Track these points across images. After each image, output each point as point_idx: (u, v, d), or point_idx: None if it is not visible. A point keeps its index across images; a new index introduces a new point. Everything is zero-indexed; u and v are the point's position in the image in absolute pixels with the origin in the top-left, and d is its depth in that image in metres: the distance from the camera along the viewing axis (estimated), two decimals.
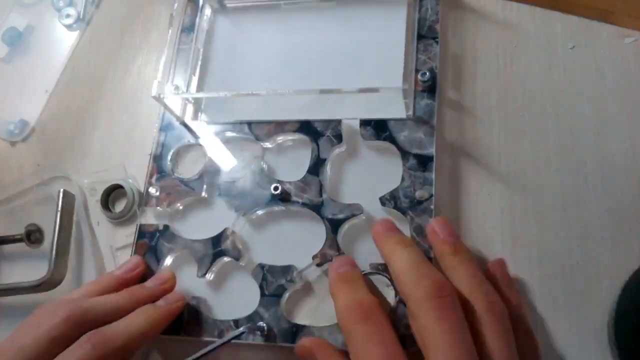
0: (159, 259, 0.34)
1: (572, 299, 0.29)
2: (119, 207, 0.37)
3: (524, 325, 0.27)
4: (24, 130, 0.41)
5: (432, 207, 0.31)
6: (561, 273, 0.30)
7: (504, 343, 0.24)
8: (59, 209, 0.36)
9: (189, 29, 0.39)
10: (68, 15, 0.44)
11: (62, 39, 0.44)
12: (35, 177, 0.39)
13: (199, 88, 0.39)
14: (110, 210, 0.37)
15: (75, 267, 0.37)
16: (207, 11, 0.40)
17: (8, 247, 0.38)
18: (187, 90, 0.38)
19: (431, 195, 0.31)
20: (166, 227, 0.34)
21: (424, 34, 0.35)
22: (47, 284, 0.35)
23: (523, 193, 0.32)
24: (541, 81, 0.33)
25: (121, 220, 0.36)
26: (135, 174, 0.37)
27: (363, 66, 0.37)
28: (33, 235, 0.37)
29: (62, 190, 0.37)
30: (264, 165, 0.35)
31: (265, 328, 0.30)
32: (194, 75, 0.39)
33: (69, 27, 0.44)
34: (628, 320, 0.27)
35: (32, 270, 0.36)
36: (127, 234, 0.36)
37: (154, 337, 0.30)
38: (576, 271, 0.29)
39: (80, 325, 0.27)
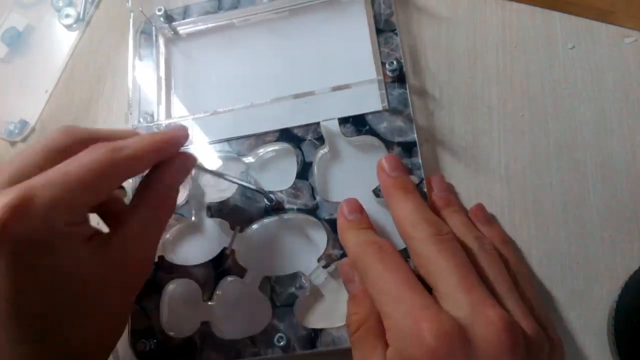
0: (160, 292, 0.33)
1: (572, 299, 0.29)
2: None
3: (512, 256, 0.29)
4: (23, 130, 0.41)
5: (425, 190, 0.31)
6: (561, 273, 0.30)
7: (498, 270, 0.26)
8: None
9: (147, 58, 0.39)
10: (68, 15, 0.44)
11: (62, 39, 0.44)
12: None
13: (167, 115, 0.38)
14: None
15: None
16: (162, 41, 0.40)
17: None
18: (156, 119, 0.37)
19: (422, 180, 0.31)
20: (161, 258, 0.34)
21: (382, 28, 0.35)
22: None
23: (523, 193, 0.32)
24: (541, 81, 0.33)
25: None
26: None
27: (329, 68, 0.37)
28: None
29: None
30: (251, 179, 0.34)
31: (284, 337, 0.30)
32: (161, 104, 0.38)
33: (68, 27, 0.44)
34: (628, 320, 0.27)
35: None
36: None
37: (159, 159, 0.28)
38: (576, 271, 0.30)
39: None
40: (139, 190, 0.28)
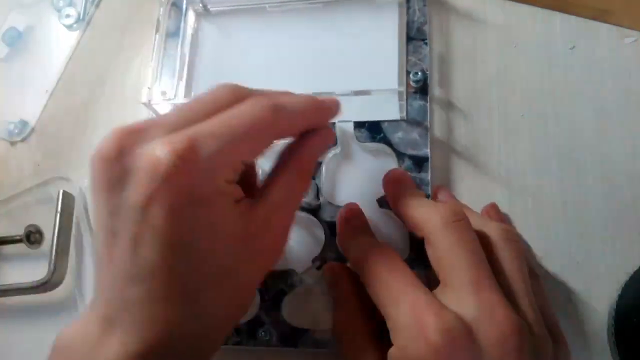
0: None
1: (572, 299, 0.29)
2: None
3: (527, 261, 0.27)
4: (23, 130, 0.41)
5: None
6: (561, 273, 0.30)
7: (519, 266, 0.25)
8: (59, 209, 0.36)
9: (174, 34, 0.39)
10: (68, 15, 0.43)
11: (62, 39, 0.44)
12: (35, 177, 0.39)
13: (186, 93, 0.38)
14: None
15: (75, 268, 0.37)
16: (191, 15, 0.40)
17: (7, 248, 0.38)
18: (174, 96, 0.37)
19: (428, 196, 0.31)
20: None
21: (412, 36, 0.35)
22: (47, 285, 0.35)
23: (523, 193, 0.32)
24: (541, 81, 0.33)
25: None
26: None
27: (352, 68, 0.36)
28: (33, 236, 0.37)
29: (61, 190, 0.37)
30: (259, 171, 0.34)
31: (268, 331, 0.30)
32: (181, 80, 0.38)
33: (69, 27, 0.44)
34: (628, 320, 0.27)
35: (32, 271, 0.36)
36: None
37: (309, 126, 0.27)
38: (576, 271, 0.29)
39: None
40: (282, 158, 0.27)
